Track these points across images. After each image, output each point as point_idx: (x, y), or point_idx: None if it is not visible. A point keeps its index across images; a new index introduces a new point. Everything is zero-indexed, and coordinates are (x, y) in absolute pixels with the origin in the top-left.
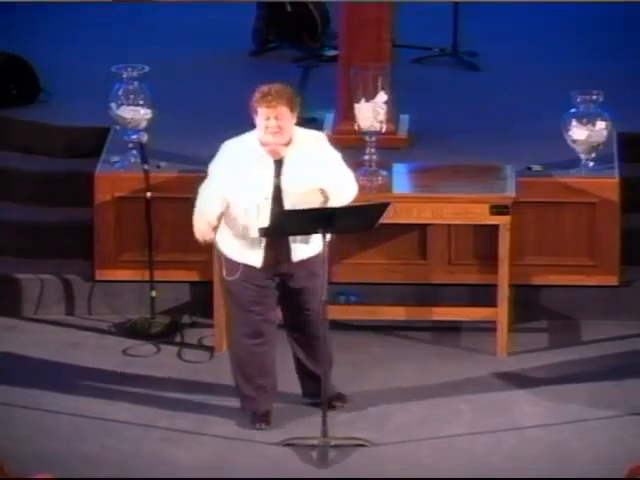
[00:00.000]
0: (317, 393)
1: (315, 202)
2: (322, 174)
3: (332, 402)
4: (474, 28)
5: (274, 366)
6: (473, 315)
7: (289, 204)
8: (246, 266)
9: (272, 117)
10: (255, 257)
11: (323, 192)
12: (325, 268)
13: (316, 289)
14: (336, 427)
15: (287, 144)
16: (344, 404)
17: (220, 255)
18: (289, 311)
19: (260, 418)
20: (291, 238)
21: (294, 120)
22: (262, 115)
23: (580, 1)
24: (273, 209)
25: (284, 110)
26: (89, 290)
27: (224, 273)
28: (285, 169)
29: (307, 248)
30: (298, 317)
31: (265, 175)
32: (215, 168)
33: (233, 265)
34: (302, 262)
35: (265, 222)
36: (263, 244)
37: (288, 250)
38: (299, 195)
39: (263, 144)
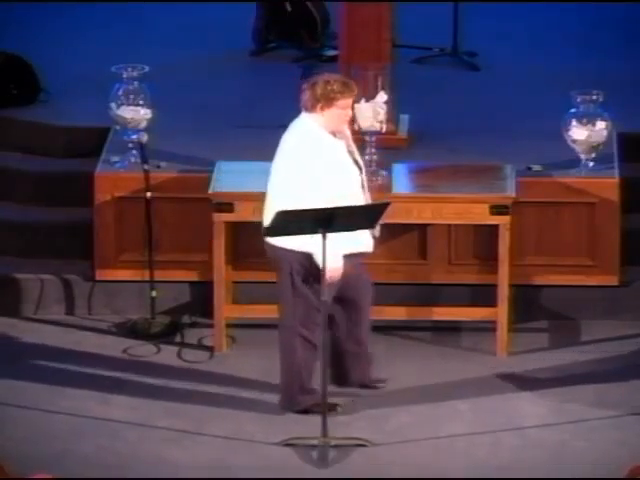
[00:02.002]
0: (348, 378)
1: None
2: None
3: (373, 384)
4: (474, 28)
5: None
6: (473, 315)
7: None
8: (352, 255)
9: (351, 106)
10: (367, 241)
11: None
12: (324, 268)
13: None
14: (336, 427)
15: None
16: (384, 383)
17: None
18: (347, 282)
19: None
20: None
21: None
22: (344, 105)
23: (580, 1)
24: (362, 183)
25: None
26: (89, 290)
27: (299, 275)
28: (348, 148)
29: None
30: (353, 289)
31: (347, 157)
32: (314, 167)
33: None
34: None
35: (368, 200)
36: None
37: (323, 245)
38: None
39: (336, 132)
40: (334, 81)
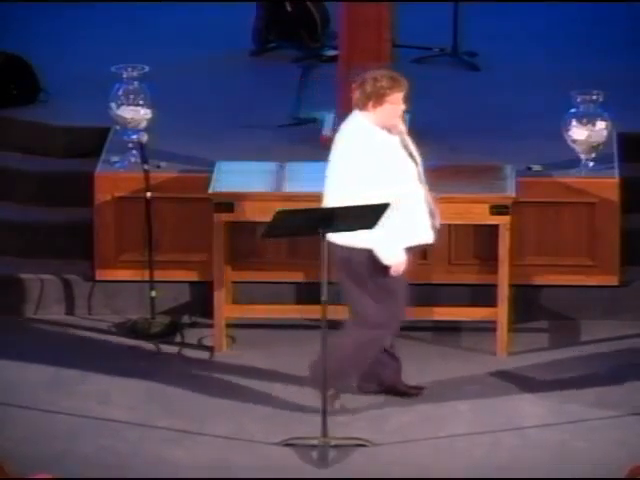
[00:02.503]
0: (387, 384)
1: None
2: None
3: (410, 391)
4: (474, 28)
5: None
6: (473, 315)
7: (421, 172)
8: (410, 248)
9: (403, 102)
10: (427, 233)
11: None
12: (324, 268)
13: None
14: (336, 427)
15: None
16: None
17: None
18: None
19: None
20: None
21: None
22: (397, 100)
23: (580, 1)
24: (419, 178)
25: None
26: (89, 290)
27: (373, 269)
28: (413, 152)
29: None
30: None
31: (404, 153)
32: (360, 157)
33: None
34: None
35: (423, 196)
36: (425, 218)
37: (435, 215)
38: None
39: (389, 128)
40: (382, 77)
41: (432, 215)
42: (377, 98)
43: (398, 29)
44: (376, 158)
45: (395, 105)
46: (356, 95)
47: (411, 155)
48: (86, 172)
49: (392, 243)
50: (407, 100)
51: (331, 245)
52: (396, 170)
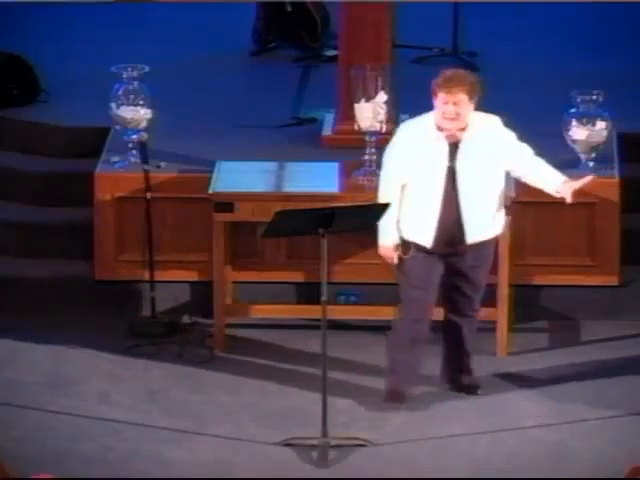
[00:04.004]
0: (461, 384)
1: (493, 185)
2: (500, 156)
3: (471, 389)
4: (474, 28)
5: (420, 350)
6: None
7: (463, 187)
8: (417, 245)
9: (450, 103)
10: (426, 237)
11: (507, 173)
12: (324, 268)
13: (481, 271)
14: (336, 427)
15: (463, 129)
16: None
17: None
18: (451, 291)
19: (390, 397)
20: (466, 220)
21: (472, 107)
22: (441, 100)
23: (580, 1)
24: (447, 192)
25: (463, 97)
26: (89, 290)
27: (400, 253)
28: (460, 153)
29: (483, 231)
30: (458, 299)
31: (440, 158)
32: (390, 152)
33: (406, 244)
34: (475, 245)
35: (439, 205)
36: (436, 225)
37: (462, 232)
38: (474, 179)
39: (439, 128)
40: (443, 73)
41: None
42: (433, 93)
43: (398, 29)
44: (394, 151)
45: (440, 104)
46: None
47: (452, 171)
48: (86, 172)
49: (389, 227)
50: (473, 106)
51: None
52: (419, 169)
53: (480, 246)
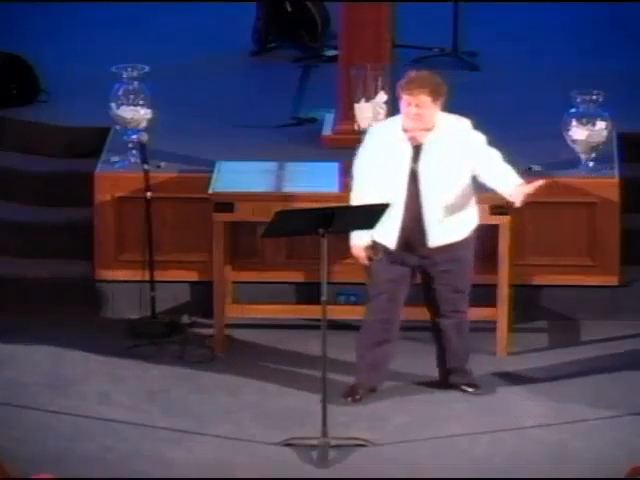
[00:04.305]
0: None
1: (457, 188)
2: (465, 158)
3: (465, 387)
4: (474, 28)
5: (387, 349)
6: (473, 315)
7: (425, 190)
8: (385, 247)
9: (413, 104)
10: (390, 239)
11: (474, 177)
12: (324, 268)
13: (458, 274)
14: (336, 427)
15: (429, 130)
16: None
17: None
18: (430, 293)
19: (349, 391)
20: (428, 222)
21: (437, 108)
22: (404, 102)
23: (580, 1)
24: (409, 193)
25: (425, 99)
26: (89, 290)
27: (370, 254)
28: (423, 155)
29: (448, 234)
30: (437, 301)
31: (403, 160)
32: (360, 153)
33: (376, 245)
34: (442, 248)
35: (401, 207)
36: (398, 227)
37: (423, 235)
38: (437, 181)
39: (404, 129)
40: (407, 74)
41: None
42: (397, 93)
43: (398, 29)
44: (363, 150)
45: (403, 106)
46: None
47: (414, 173)
48: (86, 172)
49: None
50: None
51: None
52: (383, 170)
53: (449, 249)
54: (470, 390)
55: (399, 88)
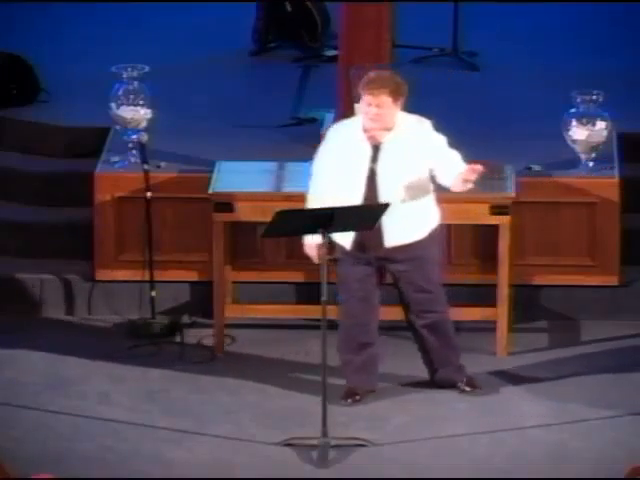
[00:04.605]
0: (439, 380)
1: (415, 188)
2: (424, 159)
3: (464, 386)
4: (474, 28)
5: (369, 351)
6: (473, 315)
7: (383, 189)
8: (342, 247)
9: (373, 105)
10: (346, 239)
11: (432, 177)
12: (324, 268)
13: (420, 274)
14: (336, 427)
15: (389, 130)
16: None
17: None
18: (399, 293)
19: (348, 393)
20: (384, 222)
21: (397, 108)
22: (365, 102)
23: (580, 1)
24: (367, 193)
25: (386, 99)
26: (89, 290)
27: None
28: (381, 154)
29: (404, 234)
30: (404, 300)
31: (362, 159)
32: (319, 151)
33: (333, 245)
34: (399, 248)
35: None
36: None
37: (379, 236)
38: (394, 180)
39: (364, 129)
40: (368, 75)
41: None
42: (357, 94)
43: (398, 29)
44: (323, 148)
45: (363, 106)
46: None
47: (372, 172)
48: (86, 172)
49: None
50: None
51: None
52: (342, 169)
53: (407, 249)
54: (467, 389)
55: (359, 89)
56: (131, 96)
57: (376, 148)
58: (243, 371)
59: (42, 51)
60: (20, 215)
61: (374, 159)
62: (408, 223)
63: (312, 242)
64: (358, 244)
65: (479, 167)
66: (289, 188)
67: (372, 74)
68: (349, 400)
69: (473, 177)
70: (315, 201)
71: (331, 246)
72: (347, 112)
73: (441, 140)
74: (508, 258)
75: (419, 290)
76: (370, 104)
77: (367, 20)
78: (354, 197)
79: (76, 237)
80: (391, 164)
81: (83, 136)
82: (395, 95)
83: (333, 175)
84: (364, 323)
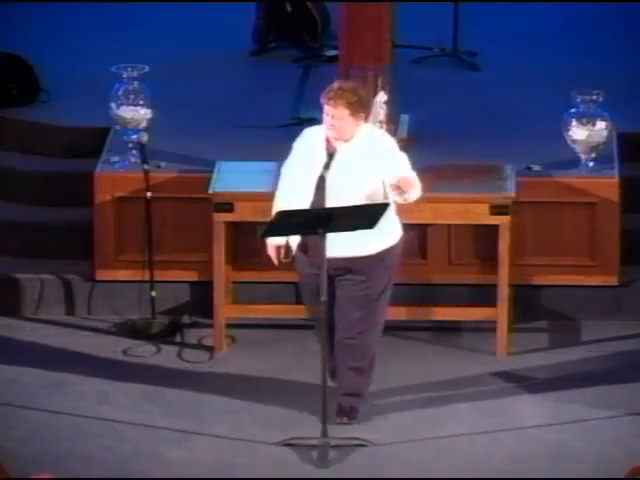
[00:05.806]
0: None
1: (366, 201)
2: (376, 163)
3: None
4: (474, 28)
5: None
6: (473, 315)
7: (330, 197)
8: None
9: (330, 115)
10: (294, 242)
11: (384, 189)
12: (324, 268)
13: (358, 291)
14: (336, 427)
15: (346, 141)
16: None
17: None
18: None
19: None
20: (331, 234)
21: (358, 121)
22: (324, 110)
23: (580, 1)
24: (315, 199)
25: (343, 112)
26: (89, 290)
27: (281, 255)
28: (333, 163)
29: (350, 245)
30: (336, 308)
31: (316, 165)
32: (291, 152)
33: (289, 247)
34: (344, 259)
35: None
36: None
37: (323, 245)
38: (342, 189)
39: (326, 137)
40: (331, 85)
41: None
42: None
43: (398, 29)
44: (292, 155)
45: (323, 114)
46: None
47: (322, 179)
48: (86, 172)
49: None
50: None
51: (357, 259)
52: (298, 173)
53: (349, 262)
54: (344, 420)
55: (321, 97)
56: (131, 96)
57: (331, 156)
58: (243, 371)
59: (42, 51)
60: (20, 215)
61: (327, 166)
62: (353, 236)
63: (272, 243)
64: (305, 248)
65: (408, 183)
66: None
67: (335, 84)
68: (344, 419)
69: (405, 187)
70: (281, 200)
71: (287, 247)
72: None
73: (392, 143)
74: (508, 258)
75: (351, 303)
76: (327, 113)
77: (367, 20)
78: (303, 201)
79: (76, 237)
80: (340, 172)
81: (83, 136)
82: (354, 108)
83: (295, 178)
84: (330, 326)
